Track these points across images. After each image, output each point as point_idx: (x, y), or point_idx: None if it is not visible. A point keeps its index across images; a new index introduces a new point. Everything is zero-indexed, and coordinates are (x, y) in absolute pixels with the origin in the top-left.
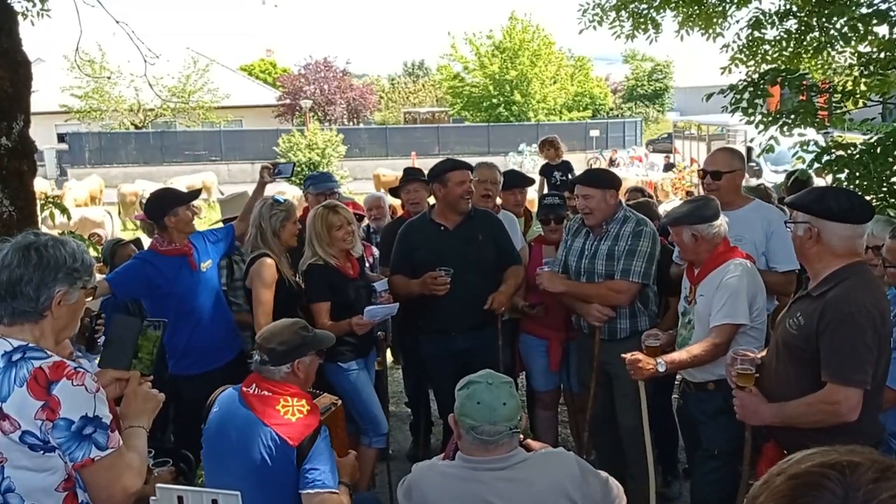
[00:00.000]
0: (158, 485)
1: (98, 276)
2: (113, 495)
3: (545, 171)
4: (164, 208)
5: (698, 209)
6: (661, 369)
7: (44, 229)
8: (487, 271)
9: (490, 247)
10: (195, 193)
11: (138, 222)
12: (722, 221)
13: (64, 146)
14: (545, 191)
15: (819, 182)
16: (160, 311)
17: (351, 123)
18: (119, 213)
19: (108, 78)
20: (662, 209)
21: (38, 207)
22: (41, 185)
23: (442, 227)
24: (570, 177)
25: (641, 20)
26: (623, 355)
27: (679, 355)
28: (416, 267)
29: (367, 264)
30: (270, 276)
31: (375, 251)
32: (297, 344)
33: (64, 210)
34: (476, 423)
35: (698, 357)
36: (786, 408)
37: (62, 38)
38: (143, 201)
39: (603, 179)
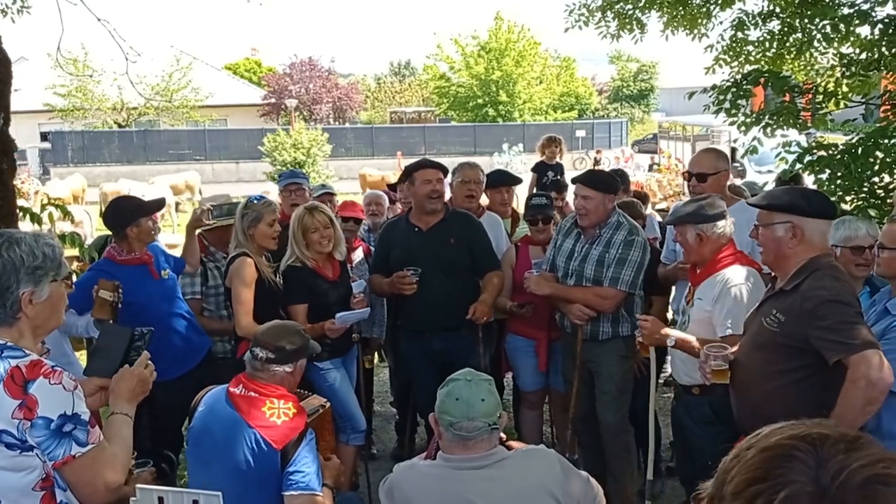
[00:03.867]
0: (139, 486)
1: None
2: (96, 490)
3: (538, 169)
4: (126, 219)
5: (703, 208)
6: (670, 343)
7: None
8: (460, 274)
9: (463, 250)
10: (160, 203)
11: None
12: (728, 222)
13: (47, 145)
14: (535, 189)
15: (809, 181)
16: (123, 322)
17: (337, 123)
18: (100, 212)
19: (91, 76)
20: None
21: (40, 207)
22: (33, 184)
23: (416, 228)
24: (560, 178)
25: (627, 20)
26: (637, 315)
27: (692, 340)
28: (390, 266)
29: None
30: (249, 275)
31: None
32: (302, 345)
33: (66, 212)
34: (455, 419)
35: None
36: (838, 418)
37: (46, 37)
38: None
39: (604, 183)
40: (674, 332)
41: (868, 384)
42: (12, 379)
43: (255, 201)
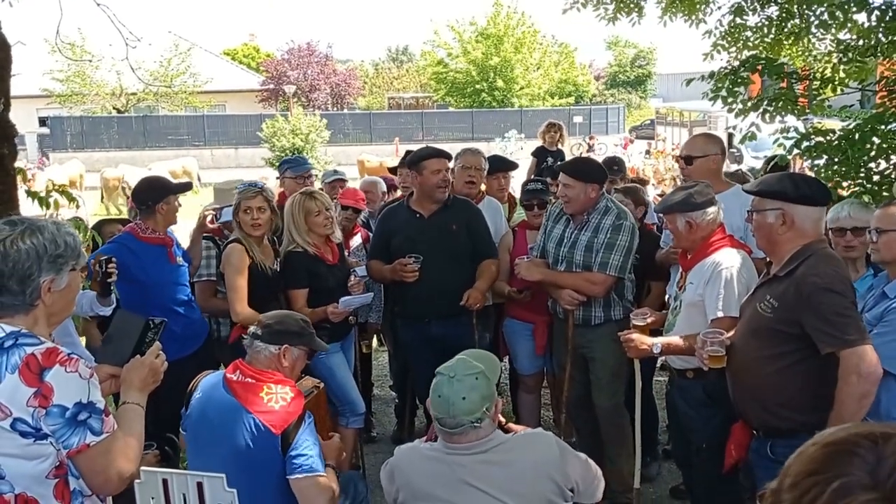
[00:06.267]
0: (143, 468)
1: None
2: (109, 480)
3: (538, 154)
4: (157, 195)
5: (692, 196)
6: (656, 351)
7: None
8: (460, 260)
9: (464, 236)
10: (188, 186)
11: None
12: (716, 209)
13: (46, 130)
14: (533, 174)
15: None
16: (130, 298)
17: (335, 109)
18: (102, 198)
19: (90, 61)
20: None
21: (45, 192)
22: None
23: (417, 215)
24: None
25: (624, 3)
26: (619, 333)
27: (676, 340)
28: (391, 253)
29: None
30: (239, 261)
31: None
32: (294, 330)
33: (71, 198)
34: (438, 414)
35: (693, 348)
36: (837, 416)
37: (45, 22)
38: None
39: (587, 173)
40: (656, 340)
41: (859, 379)
42: (28, 367)
43: (239, 189)
